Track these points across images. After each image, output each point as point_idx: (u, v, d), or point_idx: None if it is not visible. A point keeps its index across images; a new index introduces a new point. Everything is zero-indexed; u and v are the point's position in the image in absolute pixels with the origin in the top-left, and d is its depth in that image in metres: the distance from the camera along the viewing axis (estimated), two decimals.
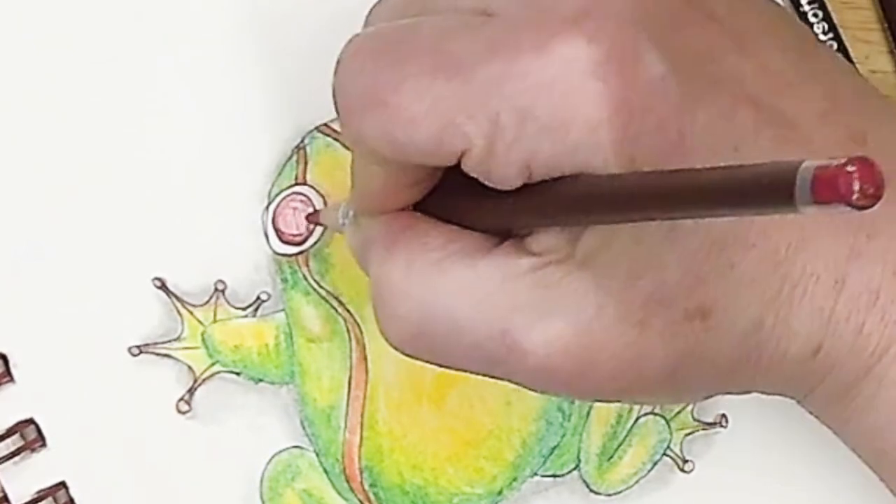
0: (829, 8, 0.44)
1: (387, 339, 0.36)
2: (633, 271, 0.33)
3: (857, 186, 0.24)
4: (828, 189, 0.24)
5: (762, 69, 0.35)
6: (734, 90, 0.34)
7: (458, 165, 0.34)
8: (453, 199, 0.36)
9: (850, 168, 0.24)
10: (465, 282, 0.35)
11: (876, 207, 0.24)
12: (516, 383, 0.35)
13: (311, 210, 0.43)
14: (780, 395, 0.37)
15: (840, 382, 0.35)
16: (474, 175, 0.34)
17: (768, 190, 0.25)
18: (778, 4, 0.38)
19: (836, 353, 0.35)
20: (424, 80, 0.33)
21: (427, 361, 0.36)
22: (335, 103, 0.35)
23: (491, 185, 0.34)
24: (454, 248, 0.35)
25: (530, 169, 0.33)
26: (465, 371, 0.36)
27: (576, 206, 0.32)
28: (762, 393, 0.37)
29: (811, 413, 0.37)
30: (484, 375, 0.36)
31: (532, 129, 0.32)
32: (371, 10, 0.37)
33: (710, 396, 0.41)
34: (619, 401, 0.38)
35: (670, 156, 0.32)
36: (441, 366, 0.36)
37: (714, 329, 0.34)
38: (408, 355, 0.36)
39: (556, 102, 0.32)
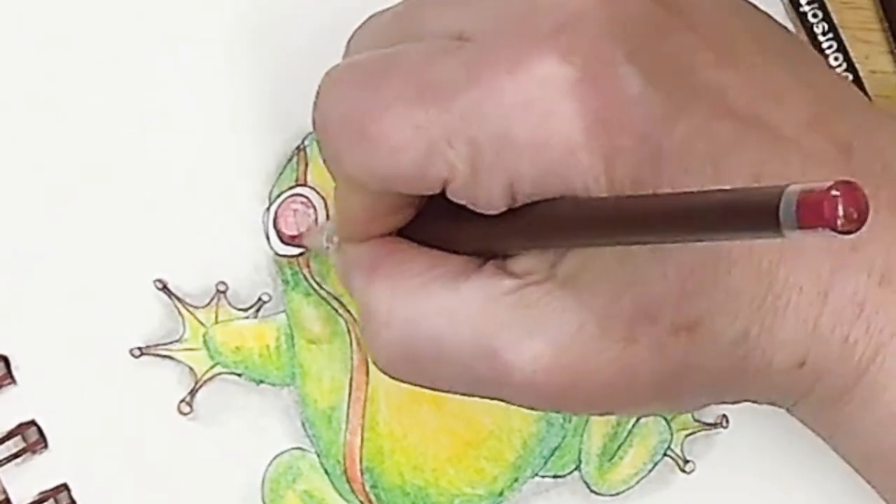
0: (829, 8, 0.44)
1: (375, 364, 0.37)
2: (616, 287, 0.33)
3: (841, 211, 0.24)
4: (812, 214, 0.24)
5: (745, 78, 0.34)
6: (714, 102, 0.34)
7: (441, 191, 0.34)
8: (436, 223, 0.36)
9: (834, 192, 0.24)
10: (449, 304, 0.35)
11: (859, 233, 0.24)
12: (505, 402, 0.36)
13: (311, 211, 0.43)
14: (769, 404, 0.37)
15: (828, 392, 0.35)
16: (460, 201, 0.34)
17: (753, 215, 0.25)
18: (764, 11, 0.38)
19: (822, 363, 0.35)
20: (405, 109, 0.33)
21: (416, 384, 0.37)
22: (315, 132, 0.35)
23: (477, 209, 0.34)
24: (436, 273, 0.35)
25: (514, 192, 0.33)
26: (454, 392, 0.37)
27: (557, 229, 0.33)
28: (753, 402, 0.37)
29: (801, 421, 0.37)
30: (473, 396, 0.36)
31: (512, 151, 0.32)
32: (351, 37, 0.38)
33: (700, 408, 0.41)
34: (611, 414, 0.38)
35: (650, 171, 0.32)
36: (430, 388, 0.37)
37: (700, 342, 0.34)
38: (397, 379, 0.37)
39: (533, 123, 0.32)
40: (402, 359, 0.36)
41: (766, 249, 0.34)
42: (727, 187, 0.26)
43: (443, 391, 0.37)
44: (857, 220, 0.24)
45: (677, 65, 0.34)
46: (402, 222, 0.37)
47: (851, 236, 0.24)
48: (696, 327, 0.34)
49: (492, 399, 0.36)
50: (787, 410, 0.37)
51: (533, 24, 0.33)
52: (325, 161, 0.36)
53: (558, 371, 0.34)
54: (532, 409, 0.36)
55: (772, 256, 0.34)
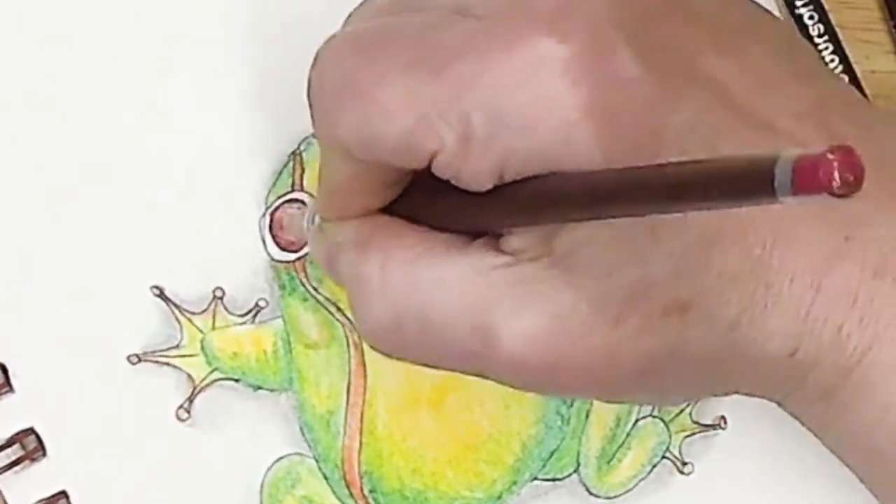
0: (827, 8, 0.44)
1: (364, 338, 0.37)
2: (609, 267, 0.33)
3: (837, 175, 0.24)
4: (808, 178, 0.24)
5: (742, 69, 0.35)
6: (711, 90, 0.34)
7: (425, 170, 0.34)
8: (422, 203, 0.36)
9: (830, 156, 0.24)
10: (440, 278, 0.35)
11: (855, 196, 0.24)
12: (492, 379, 0.36)
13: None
14: (759, 396, 0.37)
15: (820, 384, 0.35)
16: (445, 177, 0.34)
17: (748, 180, 0.25)
18: (764, 7, 0.38)
19: (814, 354, 0.35)
20: (400, 77, 0.33)
21: (405, 359, 0.37)
22: (309, 97, 0.36)
23: (462, 186, 0.34)
24: (427, 246, 0.36)
25: (502, 170, 0.33)
26: (440, 367, 0.37)
27: (549, 204, 0.32)
28: (742, 394, 0.37)
29: (791, 414, 0.37)
30: (460, 371, 0.36)
31: (504, 128, 0.32)
32: (352, 11, 0.38)
33: (689, 399, 0.41)
34: (595, 398, 0.38)
35: (644, 155, 0.32)
36: (419, 364, 0.37)
37: (691, 326, 0.34)
38: (387, 354, 0.37)
39: (527, 102, 0.32)
40: (392, 331, 0.36)
41: (759, 236, 0.34)
42: (722, 156, 0.26)
43: (429, 366, 0.37)
44: (852, 184, 0.24)
45: (676, 51, 0.34)
46: (386, 200, 0.37)
47: (846, 210, 0.24)
48: (686, 310, 0.34)
49: (477, 376, 0.36)
50: (778, 404, 0.37)
51: (536, 4, 0.33)
52: (315, 127, 0.36)
53: (546, 349, 0.34)
54: (516, 387, 0.36)
55: (765, 243, 0.34)
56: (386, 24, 0.35)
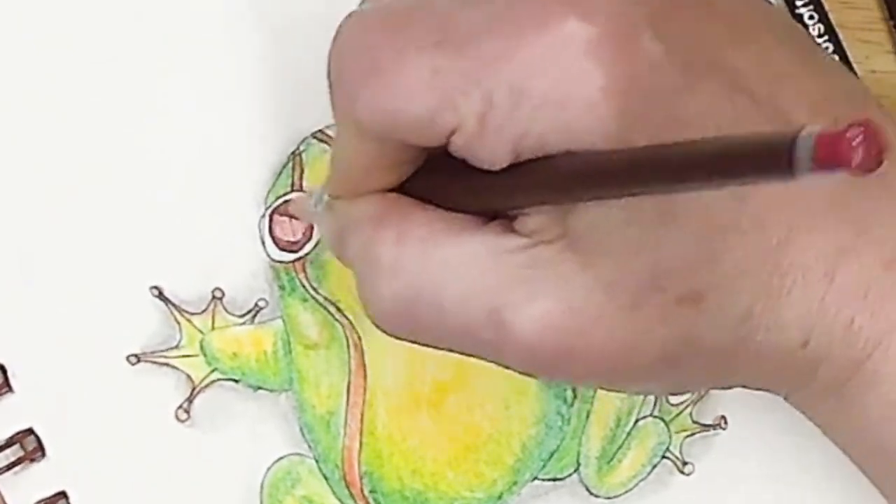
0: (827, 8, 0.44)
1: (372, 320, 0.36)
2: (624, 254, 0.33)
3: (859, 151, 0.24)
4: (829, 153, 0.24)
5: (757, 59, 0.35)
6: (729, 77, 0.34)
7: (440, 149, 0.34)
8: (436, 182, 0.36)
9: (852, 132, 0.24)
10: (454, 259, 0.35)
11: (880, 170, 0.24)
12: (503, 364, 0.35)
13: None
14: (767, 389, 0.37)
15: (830, 377, 0.35)
16: (462, 155, 0.34)
17: (767, 156, 0.25)
18: (774, 5, 0.38)
19: (825, 346, 0.35)
20: (424, 53, 0.33)
21: (413, 341, 0.36)
22: (329, 73, 0.35)
23: (478, 165, 0.34)
24: (442, 226, 0.35)
25: (518, 148, 0.33)
26: (451, 350, 0.36)
27: (564, 183, 0.32)
28: (751, 388, 0.37)
29: (799, 409, 0.37)
30: (470, 355, 0.36)
31: (525, 107, 0.32)
32: None
33: (698, 390, 0.40)
34: (605, 386, 0.38)
35: (662, 139, 0.32)
36: (427, 345, 0.36)
37: (705, 315, 0.34)
38: (394, 336, 0.36)
39: (550, 81, 0.32)
40: (403, 312, 0.35)
41: (774, 228, 0.34)
42: (741, 133, 0.26)
43: (439, 348, 0.36)
44: (874, 159, 0.24)
45: (695, 39, 0.34)
46: (401, 178, 0.36)
47: (871, 175, 0.24)
48: (701, 299, 0.34)
49: (488, 360, 0.36)
50: (785, 398, 0.37)
51: None
52: (333, 102, 0.35)
53: (561, 334, 0.34)
54: (528, 373, 0.36)
55: (780, 234, 0.34)
56: (408, 2, 0.34)
